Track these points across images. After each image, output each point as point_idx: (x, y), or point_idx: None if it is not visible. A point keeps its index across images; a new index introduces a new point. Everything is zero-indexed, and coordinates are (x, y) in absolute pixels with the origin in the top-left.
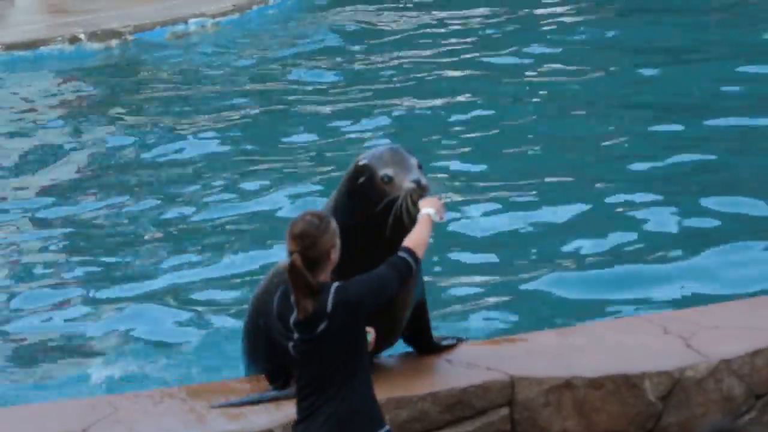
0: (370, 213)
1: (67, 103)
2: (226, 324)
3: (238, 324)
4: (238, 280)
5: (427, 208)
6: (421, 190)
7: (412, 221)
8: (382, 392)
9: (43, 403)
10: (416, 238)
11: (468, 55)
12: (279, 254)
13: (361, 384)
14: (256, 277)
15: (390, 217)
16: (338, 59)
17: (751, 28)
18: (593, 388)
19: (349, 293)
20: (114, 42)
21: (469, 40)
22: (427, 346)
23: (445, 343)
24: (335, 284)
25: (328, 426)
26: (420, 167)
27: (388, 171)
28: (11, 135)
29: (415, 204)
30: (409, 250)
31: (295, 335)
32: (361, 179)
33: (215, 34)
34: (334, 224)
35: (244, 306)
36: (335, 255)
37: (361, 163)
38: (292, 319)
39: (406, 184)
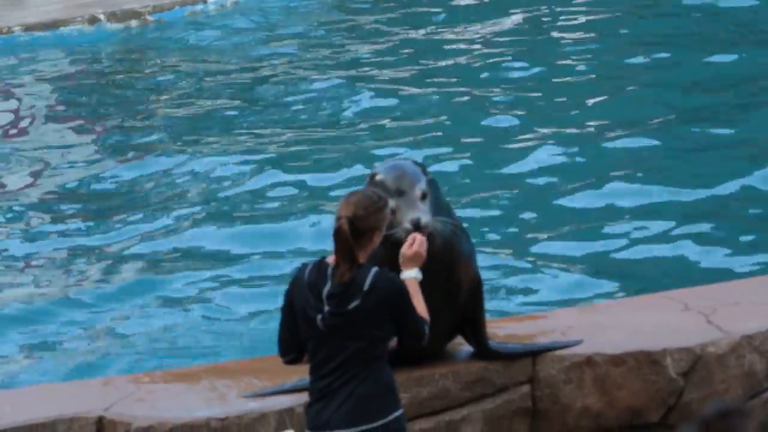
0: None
1: (87, 84)
2: (246, 304)
3: (260, 306)
4: (263, 260)
5: (409, 271)
6: (418, 230)
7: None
8: (403, 370)
9: (64, 383)
10: (421, 309)
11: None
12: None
13: (380, 368)
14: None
15: (386, 240)
16: (357, 34)
17: None
18: (614, 364)
19: (391, 283)
20: (133, 22)
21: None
22: (479, 347)
23: (505, 349)
24: (376, 267)
25: (345, 408)
26: (425, 196)
27: (391, 204)
28: (31, 115)
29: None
30: (425, 322)
31: (326, 308)
32: None
33: (234, 12)
34: (388, 211)
35: (263, 289)
36: (377, 239)
37: (371, 180)
38: (325, 291)
39: (406, 224)
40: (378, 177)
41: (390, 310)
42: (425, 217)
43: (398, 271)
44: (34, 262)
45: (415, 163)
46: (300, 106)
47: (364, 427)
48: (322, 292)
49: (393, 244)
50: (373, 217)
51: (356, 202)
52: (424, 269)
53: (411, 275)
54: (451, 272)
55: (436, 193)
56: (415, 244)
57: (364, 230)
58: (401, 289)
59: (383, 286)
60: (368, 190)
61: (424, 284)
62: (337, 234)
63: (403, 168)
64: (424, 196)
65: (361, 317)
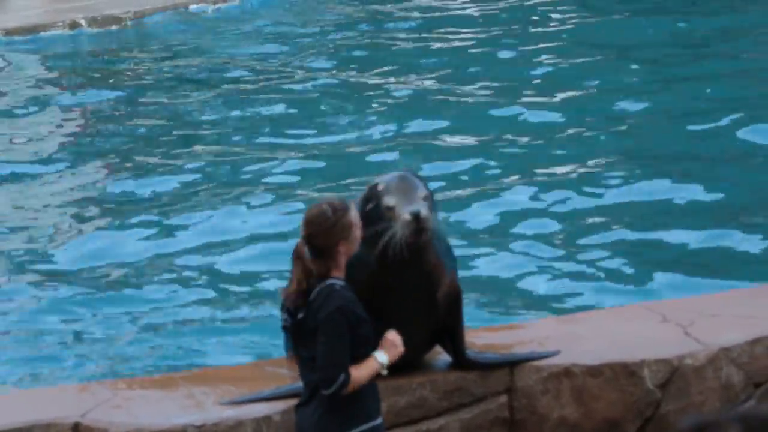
0: (373, 237)
1: (67, 88)
2: (229, 310)
3: (239, 313)
4: (245, 266)
5: (383, 356)
6: (417, 223)
7: (410, 253)
8: (381, 379)
9: (41, 388)
10: (358, 379)
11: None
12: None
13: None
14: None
15: (381, 242)
16: (340, 43)
17: None
18: (592, 375)
19: (325, 306)
20: (114, 27)
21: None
22: (457, 356)
23: (483, 359)
24: (332, 283)
25: (316, 415)
26: (427, 199)
27: (390, 201)
28: (10, 119)
29: (411, 240)
30: (348, 377)
31: (285, 315)
32: (370, 205)
33: (216, 18)
34: (349, 217)
35: (245, 293)
36: (347, 248)
37: (373, 189)
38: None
39: (405, 216)
40: (380, 186)
41: (317, 330)
42: (424, 210)
43: (391, 272)
44: (9, 269)
45: (418, 176)
46: (283, 109)
47: None
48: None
49: (393, 246)
50: (330, 231)
51: (310, 220)
52: (412, 276)
53: (378, 359)
54: (436, 283)
55: (435, 205)
56: (397, 340)
57: (323, 246)
58: (328, 319)
59: (318, 306)
60: (324, 203)
61: (408, 293)
62: (293, 254)
63: (406, 175)
64: (425, 198)
65: (308, 329)
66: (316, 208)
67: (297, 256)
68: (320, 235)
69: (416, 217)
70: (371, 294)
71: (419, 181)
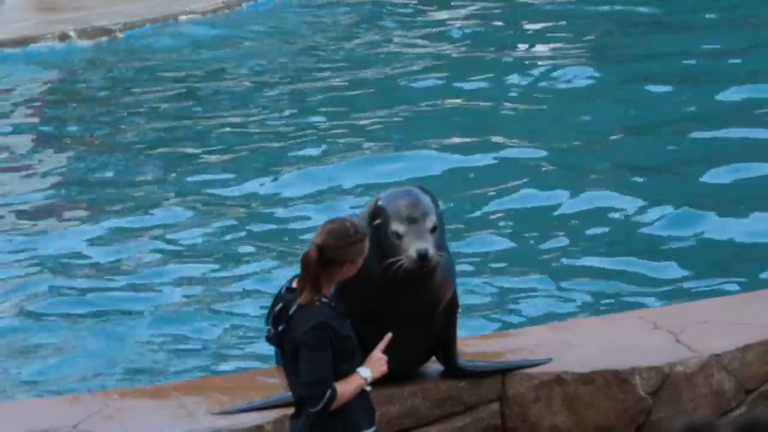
0: (376, 255)
1: (56, 100)
2: (216, 321)
3: (231, 322)
4: (243, 275)
5: (367, 371)
6: (423, 265)
7: (410, 278)
8: (372, 388)
9: (32, 399)
10: (343, 395)
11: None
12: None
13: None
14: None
15: (384, 266)
16: (335, 52)
17: None
18: (583, 383)
19: (302, 325)
20: (104, 39)
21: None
22: (449, 365)
23: (474, 367)
24: (316, 302)
25: (306, 426)
26: (435, 228)
27: (399, 228)
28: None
29: (416, 272)
30: (334, 392)
31: (268, 324)
32: (377, 221)
33: (206, 27)
34: (365, 245)
35: (233, 307)
36: (348, 271)
37: (379, 204)
38: (277, 307)
39: (411, 252)
40: (385, 202)
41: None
42: (432, 249)
43: (395, 289)
44: (3, 276)
45: (425, 191)
46: (277, 119)
47: None
48: (276, 306)
49: (394, 272)
50: (345, 249)
51: (331, 231)
52: (415, 294)
53: (362, 374)
54: (439, 300)
55: (442, 226)
56: (383, 360)
57: (332, 260)
58: (308, 336)
59: (297, 322)
60: (349, 221)
61: (410, 308)
62: (304, 259)
63: (417, 196)
64: (434, 229)
65: (289, 342)
66: (339, 222)
67: (306, 261)
68: (334, 249)
69: (423, 257)
70: (373, 308)
71: (428, 202)
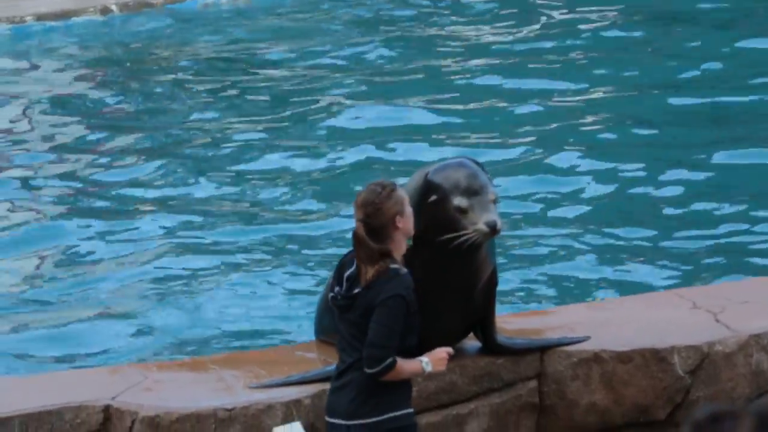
0: (432, 231)
1: (98, 74)
2: (256, 295)
3: (270, 297)
4: (274, 253)
5: (429, 364)
6: (493, 235)
7: (467, 251)
8: None
9: (72, 371)
10: (400, 370)
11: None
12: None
13: None
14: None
15: (451, 245)
16: (371, 30)
17: None
18: (621, 361)
19: (385, 289)
20: (146, 12)
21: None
22: (488, 341)
23: (513, 344)
24: (397, 268)
25: (348, 397)
26: (496, 199)
27: (462, 202)
28: (43, 105)
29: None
30: (394, 362)
31: (337, 288)
32: (432, 198)
33: (247, 4)
34: (400, 193)
35: (273, 280)
36: (404, 224)
37: (431, 179)
38: (348, 272)
39: (481, 225)
40: (439, 178)
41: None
42: (500, 221)
43: (442, 267)
44: (43, 252)
45: (476, 162)
46: (313, 99)
47: (357, 422)
48: (345, 272)
49: (455, 247)
50: (383, 207)
51: (363, 202)
52: (462, 271)
53: (422, 363)
54: (482, 278)
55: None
56: (445, 360)
57: (381, 224)
58: (389, 302)
59: (379, 287)
60: (371, 184)
61: (455, 285)
62: (355, 239)
63: (473, 168)
64: (495, 200)
65: (362, 306)
66: (365, 190)
67: (357, 240)
68: (376, 213)
69: (494, 229)
70: (419, 286)
71: (484, 175)
